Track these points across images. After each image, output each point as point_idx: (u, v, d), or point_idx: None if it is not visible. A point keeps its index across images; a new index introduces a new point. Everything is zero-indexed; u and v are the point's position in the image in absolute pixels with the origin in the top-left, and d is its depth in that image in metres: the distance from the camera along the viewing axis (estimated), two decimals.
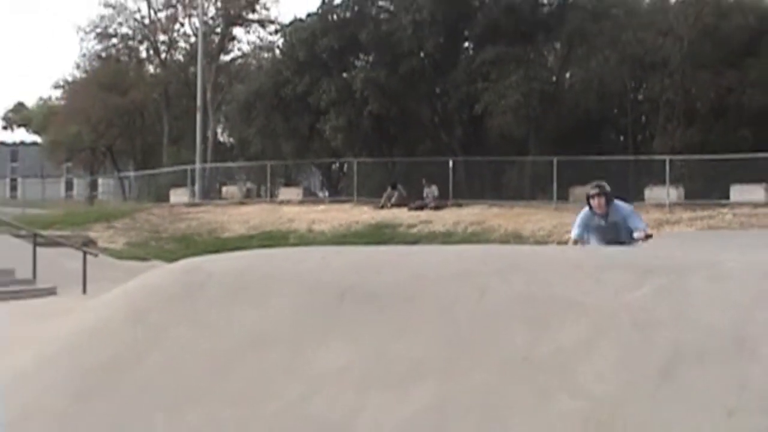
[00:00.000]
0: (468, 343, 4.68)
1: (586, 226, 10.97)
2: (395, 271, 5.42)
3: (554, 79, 43.36)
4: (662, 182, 32.91)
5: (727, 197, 31.42)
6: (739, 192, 31.29)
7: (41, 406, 5.52)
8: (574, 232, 11.06)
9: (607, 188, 10.88)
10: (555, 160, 34.09)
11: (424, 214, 34.49)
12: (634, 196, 31.67)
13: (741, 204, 30.39)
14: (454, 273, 5.27)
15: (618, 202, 11.04)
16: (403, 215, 34.72)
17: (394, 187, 37.51)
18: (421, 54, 42.89)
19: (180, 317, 5.56)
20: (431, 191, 36.72)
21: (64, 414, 5.37)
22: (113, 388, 5.30)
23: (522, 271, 5.16)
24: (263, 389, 4.87)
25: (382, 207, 36.43)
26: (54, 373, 5.73)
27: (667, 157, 33.50)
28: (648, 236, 10.72)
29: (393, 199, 36.79)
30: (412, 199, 36.64)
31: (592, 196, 10.79)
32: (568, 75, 46.51)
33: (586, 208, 10.94)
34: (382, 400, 4.53)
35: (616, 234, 10.74)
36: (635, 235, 10.60)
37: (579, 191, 26.43)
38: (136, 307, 5.92)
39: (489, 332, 4.71)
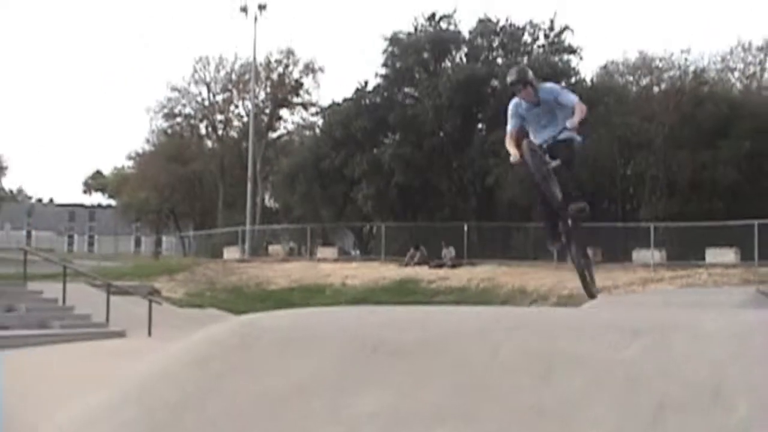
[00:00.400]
0: (483, 392, 4.67)
1: (520, 116, 9.19)
2: (421, 329, 5.42)
3: None
4: (647, 246, 32.70)
5: (703, 259, 31.27)
6: (713, 255, 31.17)
7: None
8: (511, 123, 9.23)
9: (529, 75, 9.09)
10: None
11: (442, 272, 34.47)
12: (623, 257, 31.72)
13: (715, 265, 30.21)
14: (471, 330, 5.28)
15: (543, 84, 9.32)
16: (424, 272, 34.70)
17: (416, 248, 37.49)
18: (441, 134, 43.25)
19: (237, 366, 5.56)
20: (449, 252, 36.66)
21: None
22: (179, 430, 5.30)
23: (530, 329, 5.16)
24: (308, 431, 4.87)
25: (406, 265, 36.40)
26: (125, 414, 5.71)
27: (651, 224, 33.36)
28: (581, 122, 8.82)
29: (415, 258, 36.76)
30: (432, 259, 36.56)
31: (519, 90, 9.04)
32: None
33: (516, 99, 9.18)
34: None
35: (551, 115, 9.06)
36: (568, 124, 8.79)
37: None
38: (199, 356, 5.93)
39: (501, 382, 4.70)
